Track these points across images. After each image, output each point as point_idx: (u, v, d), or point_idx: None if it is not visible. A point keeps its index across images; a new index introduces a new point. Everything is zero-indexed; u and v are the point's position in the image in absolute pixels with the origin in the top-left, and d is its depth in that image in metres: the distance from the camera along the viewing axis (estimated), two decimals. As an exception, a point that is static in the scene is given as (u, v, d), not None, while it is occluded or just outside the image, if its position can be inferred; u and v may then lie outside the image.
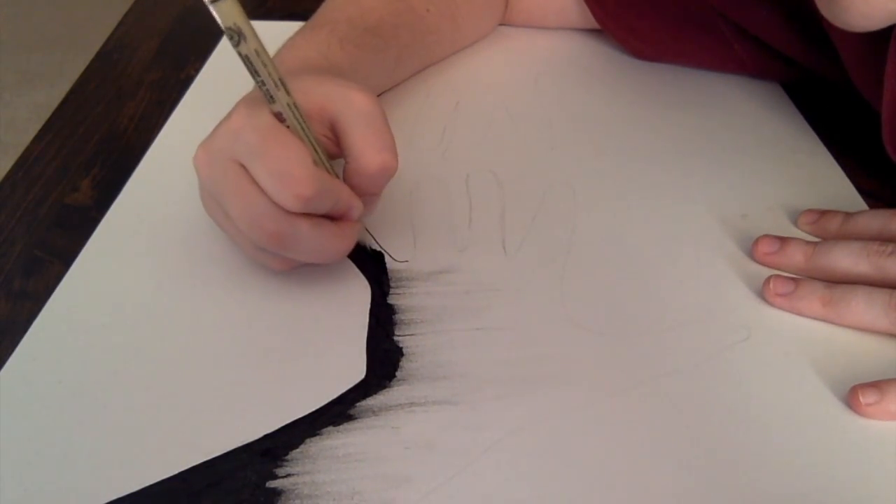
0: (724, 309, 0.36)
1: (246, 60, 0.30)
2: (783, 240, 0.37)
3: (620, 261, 0.38)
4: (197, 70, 0.56)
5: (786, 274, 0.36)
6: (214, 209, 0.35)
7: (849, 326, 0.34)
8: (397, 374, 0.33)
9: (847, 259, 0.35)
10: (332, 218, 0.34)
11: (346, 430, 0.31)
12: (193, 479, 0.29)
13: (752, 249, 0.38)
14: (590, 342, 0.34)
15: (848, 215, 0.38)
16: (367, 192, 0.35)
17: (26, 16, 2.26)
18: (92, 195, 0.44)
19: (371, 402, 0.32)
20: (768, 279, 0.35)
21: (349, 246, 0.35)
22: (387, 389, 0.32)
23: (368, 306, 0.36)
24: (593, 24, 0.56)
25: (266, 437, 0.30)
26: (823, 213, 0.39)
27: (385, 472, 0.29)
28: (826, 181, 0.44)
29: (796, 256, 0.36)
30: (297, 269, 0.37)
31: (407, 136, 0.48)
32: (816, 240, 0.38)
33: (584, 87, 0.53)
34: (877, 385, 0.30)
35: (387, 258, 0.39)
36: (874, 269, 0.34)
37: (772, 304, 0.35)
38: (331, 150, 0.35)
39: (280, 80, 0.31)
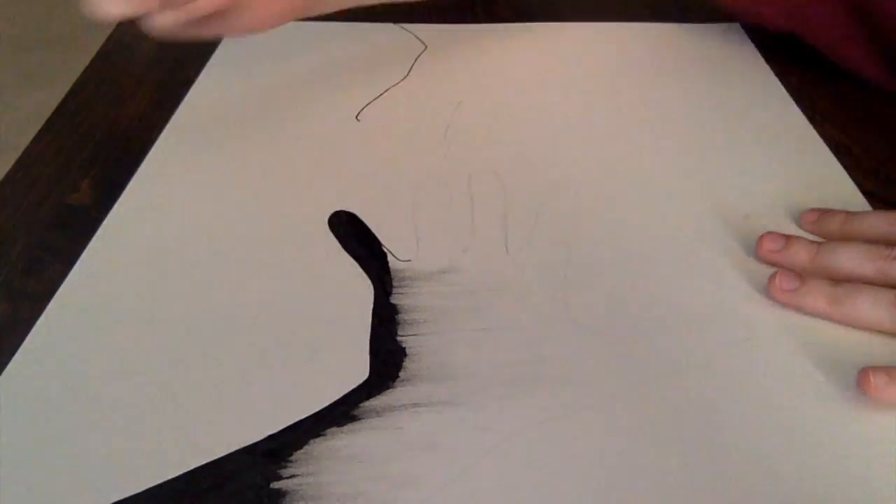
0: (726, 308, 0.36)
1: None
2: (787, 238, 0.37)
3: (623, 260, 0.38)
4: (197, 70, 0.56)
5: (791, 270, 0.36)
6: None
7: (852, 325, 0.34)
8: (401, 374, 0.33)
9: (851, 261, 0.35)
10: None
11: (350, 431, 0.31)
12: (197, 480, 0.29)
13: (756, 246, 0.38)
14: (593, 342, 0.34)
15: (850, 215, 0.38)
16: None
17: (26, 16, 2.25)
18: (92, 195, 0.44)
19: (375, 402, 0.32)
20: (774, 275, 0.35)
21: None
22: (391, 390, 0.32)
23: (371, 306, 0.36)
24: None
25: (269, 437, 0.30)
26: (824, 212, 0.39)
27: (389, 473, 0.29)
28: (829, 181, 0.44)
29: (800, 255, 0.36)
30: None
31: (409, 135, 0.48)
32: (820, 240, 0.38)
33: (586, 88, 0.52)
34: (887, 370, 0.31)
35: (389, 257, 0.39)
36: (877, 273, 0.34)
37: (775, 300, 0.35)
38: None
39: None
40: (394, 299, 0.36)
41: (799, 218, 0.40)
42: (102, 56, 0.60)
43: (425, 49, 0.57)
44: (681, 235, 0.40)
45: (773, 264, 0.37)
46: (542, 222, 0.41)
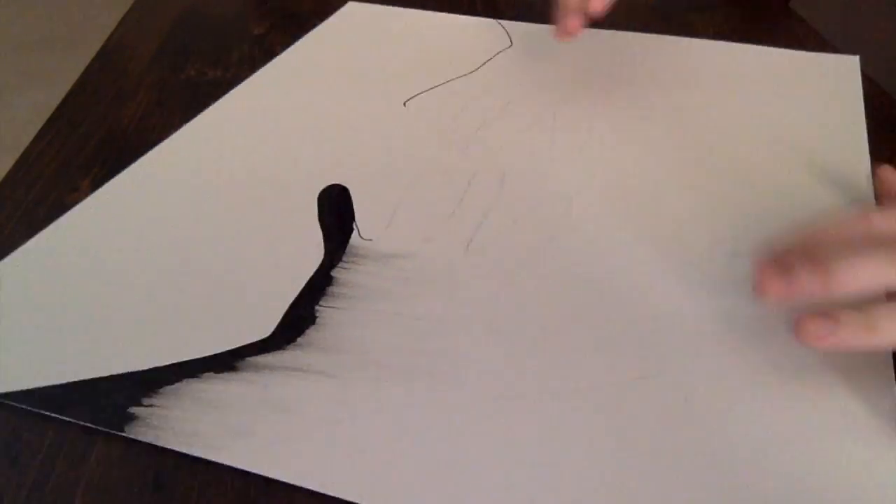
0: (718, 308, 0.35)
1: None
2: (785, 266, 0.31)
3: (584, 283, 0.37)
4: (197, 70, 0.56)
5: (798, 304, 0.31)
6: None
7: None
8: (299, 339, 0.34)
9: (869, 277, 0.30)
10: None
11: (223, 379, 0.32)
12: (76, 389, 0.32)
13: (755, 287, 0.31)
14: (504, 349, 0.33)
15: (811, 234, 0.33)
16: None
17: (26, 16, 2.26)
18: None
19: (260, 359, 0.33)
20: (801, 322, 0.29)
21: None
22: (280, 351, 0.33)
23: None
24: None
25: (154, 369, 0.33)
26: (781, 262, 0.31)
27: (232, 423, 0.30)
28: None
29: (810, 286, 0.30)
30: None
31: (442, 127, 0.48)
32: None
33: (628, 97, 0.51)
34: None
35: (354, 234, 0.40)
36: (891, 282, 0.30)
37: (811, 347, 0.30)
38: None
39: None
40: (336, 272, 0.37)
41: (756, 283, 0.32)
42: (102, 56, 0.60)
43: (509, 47, 0.58)
44: (673, 252, 0.39)
45: (780, 300, 0.31)
46: (517, 231, 0.40)
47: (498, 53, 0.57)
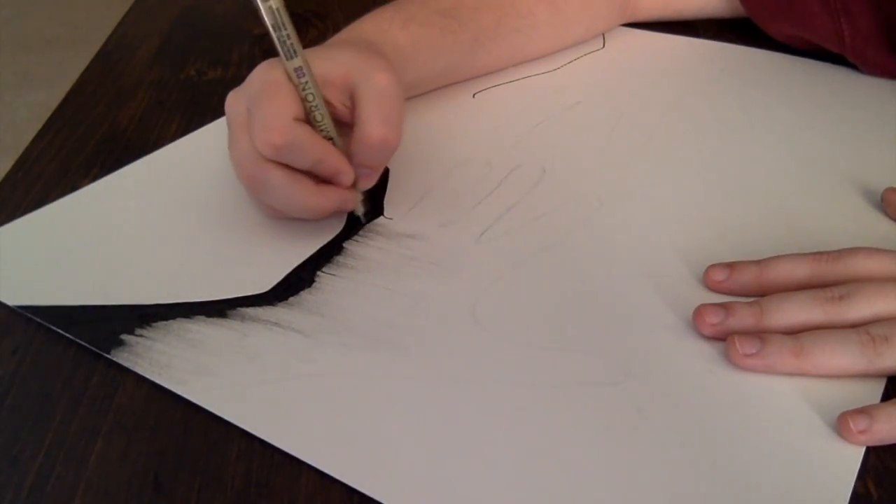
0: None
1: (266, 19, 0.34)
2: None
3: (582, 286, 0.36)
4: (197, 70, 0.56)
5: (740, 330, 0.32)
6: None
7: (824, 374, 0.31)
8: (291, 298, 0.35)
9: (802, 311, 0.32)
10: (321, 180, 0.37)
11: (211, 323, 0.34)
12: (83, 312, 0.35)
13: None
14: (474, 339, 0.33)
15: (760, 264, 0.35)
16: (368, 164, 0.38)
17: (26, 16, 2.26)
18: (92, 195, 0.44)
19: (249, 310, 0.35)
20: (731, 342, 0.31)
21: (324, 205, 0.37)
22: (270, 307, 0.35)
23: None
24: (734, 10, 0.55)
25: (155, 305, 0.35)
26: (731, 267, 0.35)
27: (202, 361, 0.32)
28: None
29: (747, 320, 0.33)
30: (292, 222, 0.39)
31: (503, 120, 0.48)
32: (738, 299, 0.34)
33: (702, 111, 0.49)
34: (864, 410, 0.29)
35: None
36: (828, 318, 0.32)
37: (739, 367, 0.31)
38: (347, 118, 0.38)
39: (293, 45, 0.35)
40: (347, 243, 0.38)
41: (703, 279, 0.36)
42: (102, 56, 0.60)
43: (601, 49, 0.57)
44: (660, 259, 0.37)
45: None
46: (535, 227, 0.40)
47: (586, 54, 0.56)
